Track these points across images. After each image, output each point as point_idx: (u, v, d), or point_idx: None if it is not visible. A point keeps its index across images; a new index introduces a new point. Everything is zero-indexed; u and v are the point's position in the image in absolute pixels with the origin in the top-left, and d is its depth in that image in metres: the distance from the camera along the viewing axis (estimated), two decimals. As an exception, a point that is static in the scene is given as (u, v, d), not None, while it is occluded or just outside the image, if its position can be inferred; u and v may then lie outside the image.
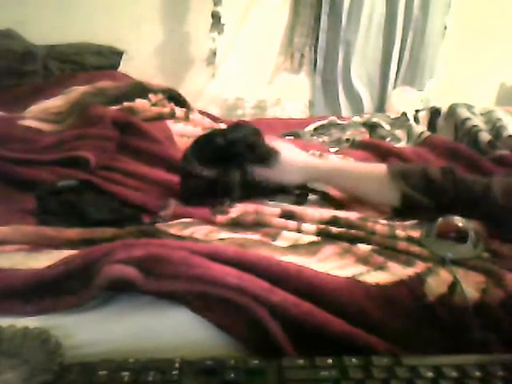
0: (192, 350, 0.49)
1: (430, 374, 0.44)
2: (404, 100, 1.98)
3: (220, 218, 0.76)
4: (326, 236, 0.71)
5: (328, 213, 0.79)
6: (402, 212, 0.82)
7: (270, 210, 0.80)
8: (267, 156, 0.89)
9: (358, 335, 0.50)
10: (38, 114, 1.30)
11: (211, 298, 0.51)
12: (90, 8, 1.78)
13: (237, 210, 0.80)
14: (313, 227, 0.73)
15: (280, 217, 0.77)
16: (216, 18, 1.84)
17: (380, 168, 0.87)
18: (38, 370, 0.43)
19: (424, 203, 0.78)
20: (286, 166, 0.89)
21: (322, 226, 0.73)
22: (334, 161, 0.97)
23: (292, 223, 0.74)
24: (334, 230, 0.72)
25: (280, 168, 0.89)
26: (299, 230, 0.73)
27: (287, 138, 1.46)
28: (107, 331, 0.50)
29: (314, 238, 0.71)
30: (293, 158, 0.91)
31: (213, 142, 0.92)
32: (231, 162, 0.89)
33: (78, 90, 1.41)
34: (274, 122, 1.70)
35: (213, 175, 0.89)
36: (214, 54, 1.89)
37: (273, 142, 0.94)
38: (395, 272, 0.59)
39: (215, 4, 1.83)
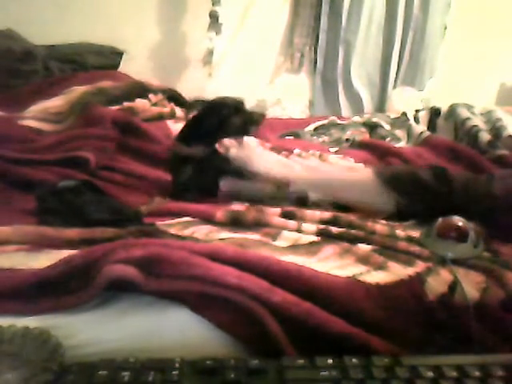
0: (192, 349, 0.49)
1: (430, 374, 0.44)
2: (404, 100, 1.98)
3: (219, 213, 0.76)
4: (326, 236, 0.71)
5: (328, 212, 0.79)
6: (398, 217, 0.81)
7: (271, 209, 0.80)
8: (253, 118, 0.85)
9: (358, 335, 0.50)
10: (38, 114, 1.30)
11: (211, 298, 0.51)
12: (90, 8, 1.78)
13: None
14: (313, 227, 0.73)
15: (280, 216, 0.77)
16: (214, 17, 1.84)
17: (367, 175, 0.84)
18: (38, 369, 0.42)
19: (420, 210, 0.78)
20: (260, 179, 0.83)
21: (322, 226, 0.73)
22: (312, 170, 0.86)
23: (292, 223, 0.74)
24: (334, 230, 0.72)
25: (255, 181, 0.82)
26: (299, 230, 0.73)
27: (287, 137, 1.47)
28: (107, 331, 0.50)
29: (314, 238, 0.71)
30: (268, 171, 0.83)
31: (198, 112, 0.89)
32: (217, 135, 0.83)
33: (77, 90, 1.41)
34: (274, 121, 1.70)
35: (201, 153, 0.84)
36: (211, 53, 1.89)
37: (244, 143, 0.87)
38: (395, 272, 0.59)
39: (213, 4, 1.83)
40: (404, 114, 1.53)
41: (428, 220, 0.71)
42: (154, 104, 1.44)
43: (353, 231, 0.72)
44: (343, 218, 0.76)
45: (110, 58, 1.79)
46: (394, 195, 0.80)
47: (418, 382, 0.44)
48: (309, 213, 0.78)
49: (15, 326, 0.46)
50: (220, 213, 0.77)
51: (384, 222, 0.77)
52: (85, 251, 0.55)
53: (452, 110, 1.38)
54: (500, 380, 0.44)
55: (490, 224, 0.72)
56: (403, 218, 0.80)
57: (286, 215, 0.77)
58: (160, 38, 1.91)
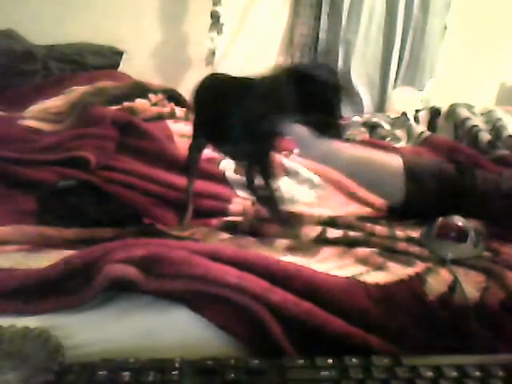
0: (192, 350, 0.49)
1: (430, 374, 0.44)
2: (404, 100, 1.98)
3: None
4: (323, 242, 0.71)
5: (326, 213, 0.79)
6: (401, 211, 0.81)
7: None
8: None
9: (358, 335, 0.50)
10: (38, 114, 1.30)
11: (211, 298, 0.51)
12: (90, 8, 1.78)
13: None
14: (312, 232, 0.73)
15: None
16: (215, 17, 1.85)
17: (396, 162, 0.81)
18: (38, 369, 0.42)
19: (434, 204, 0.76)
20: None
21: (320, 229, 0.73)
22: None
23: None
24: (333, 232, 0.72)
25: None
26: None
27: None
28: (107, 331, 0.50)
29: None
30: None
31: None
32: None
33: (78, 90, 1.41)
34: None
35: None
36: (213, 53, 1.89)
37: None
38: (395, 272, 0.59)
39: (214, 4, 1.83)
40: (404, 113, 1.53)
41: (428, 220, 0.71)
42: (154, 104, 1.44)
43: (351, 234, 0.72)
44: (342, 220, 0.76)
45: (110, 58, 1.79)
46: (410, 184, 0.77)
47: (417, 382, 0.44)
48: (307, 214, 0.78)
49: (15, 326, 0.46)
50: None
51: (384, 222, 0.77)
52: (85, 251, 0.55)
53: (452, 109, 1.38)
54: (500, 380, 0.44)
55: (496, 223, 0.71)
56: (407, 212, 0.79)
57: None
58: (160, 38, 1.91)
